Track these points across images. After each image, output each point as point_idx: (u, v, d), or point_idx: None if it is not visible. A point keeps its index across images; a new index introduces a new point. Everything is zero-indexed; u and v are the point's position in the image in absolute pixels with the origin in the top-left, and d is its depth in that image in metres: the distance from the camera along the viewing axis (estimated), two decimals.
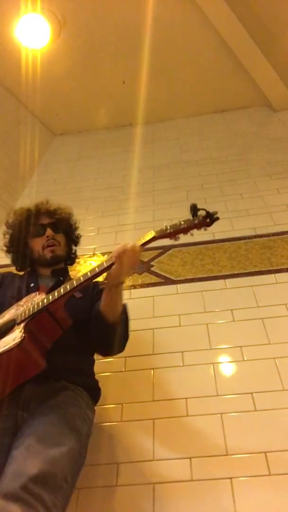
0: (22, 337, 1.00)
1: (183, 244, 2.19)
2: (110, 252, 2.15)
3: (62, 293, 1.11)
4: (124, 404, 1.46)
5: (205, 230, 1.15)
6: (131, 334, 1.31)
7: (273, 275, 1.90)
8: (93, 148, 3.60)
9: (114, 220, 2.54)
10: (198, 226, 1.13)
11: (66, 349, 1.20)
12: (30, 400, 1.09)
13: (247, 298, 1.81)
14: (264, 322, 1.68)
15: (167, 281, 1.98)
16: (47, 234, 1.46)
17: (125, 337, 1.29)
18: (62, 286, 1.13)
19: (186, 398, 1.45)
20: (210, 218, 1.12)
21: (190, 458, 1.28)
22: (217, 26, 3.01)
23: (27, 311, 1.12)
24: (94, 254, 2.24)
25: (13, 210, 1.56)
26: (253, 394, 1.42)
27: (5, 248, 1.55)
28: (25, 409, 1.08)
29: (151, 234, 1.15)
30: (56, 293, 1.12)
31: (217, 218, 1.14)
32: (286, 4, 2.96)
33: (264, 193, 2.50)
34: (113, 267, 1.13)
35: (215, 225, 1.15)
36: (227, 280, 1.92)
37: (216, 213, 1.13)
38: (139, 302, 1.88)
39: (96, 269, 1.13)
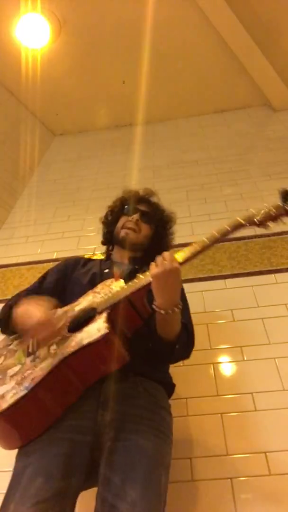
0: (108, 328, 0.96)
1: (183, 244, 2.18)
2: None
3: (145, 284, 1.04)
4: None
5: None
6: None
7: (273, 275, 1.90)
8: (93, 148, 3.60)
9: None
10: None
11: (145, 339, 1.12)
12: (109, 398, 1.03)
13: (247, 298, 1.81)
14: (264, 322, 1.68)
15: None
16: (132, 216, 1.47)
17: (185, 353, 1.21)
18: (143, 274, 1.07)
19: (186, 398, 1.45)
20: None
21: (190, 458, 1.28)
22: (217, 26, 3.01)
23: (107, 299, 1.07)
24: (94, 254, 2.24)
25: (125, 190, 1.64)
26: (253, 394, 1.42)
27: (102, 219, 1.61)
28: (104, 407, 1.01)
29: (236, 222, 1.10)
30: (137, 282, 1.06)
31: None
32: (286, 4, 2.96)
33: (264, 193, 2.49)
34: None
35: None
36: (227, 280, 1.92)
37: None
38: None
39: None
